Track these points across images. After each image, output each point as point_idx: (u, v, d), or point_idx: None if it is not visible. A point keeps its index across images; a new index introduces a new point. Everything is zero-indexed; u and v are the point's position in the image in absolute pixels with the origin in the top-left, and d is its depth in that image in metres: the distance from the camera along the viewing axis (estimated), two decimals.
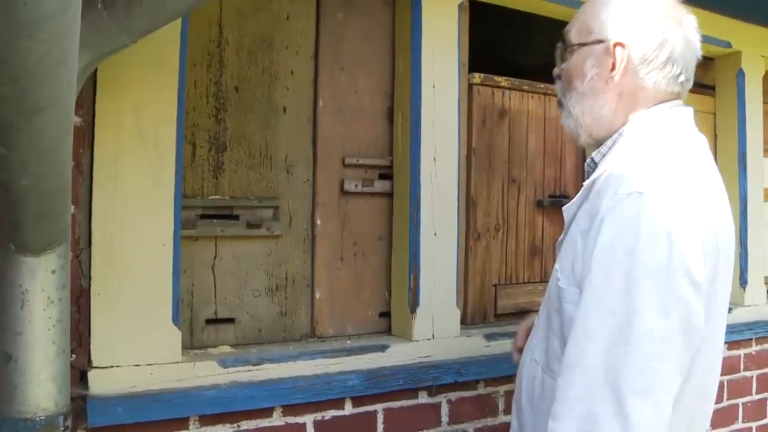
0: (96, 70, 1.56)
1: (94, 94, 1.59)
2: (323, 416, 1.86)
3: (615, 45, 1.34)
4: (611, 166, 1.29)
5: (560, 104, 1.47)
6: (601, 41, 1.36)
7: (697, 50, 1.38)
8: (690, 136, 1.35)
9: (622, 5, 1.37)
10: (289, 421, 1.81)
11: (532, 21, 2.58)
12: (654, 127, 1.34)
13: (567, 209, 1.41)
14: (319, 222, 2.04)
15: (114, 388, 1.59)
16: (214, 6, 1.89)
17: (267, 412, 1.78)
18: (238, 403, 1.73)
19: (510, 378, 2.17)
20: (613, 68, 1.35)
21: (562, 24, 2.55)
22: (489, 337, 2.18)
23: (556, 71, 1.48)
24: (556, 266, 1.37)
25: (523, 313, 2.45)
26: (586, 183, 1.37)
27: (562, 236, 1.46)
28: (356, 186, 2.08)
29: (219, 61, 1.91)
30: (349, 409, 1.90)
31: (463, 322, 2.27)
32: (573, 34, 1.42)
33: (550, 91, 2.54)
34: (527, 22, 2.64)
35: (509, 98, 2.44)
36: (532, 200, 2.50)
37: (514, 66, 2.81)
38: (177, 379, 1.68)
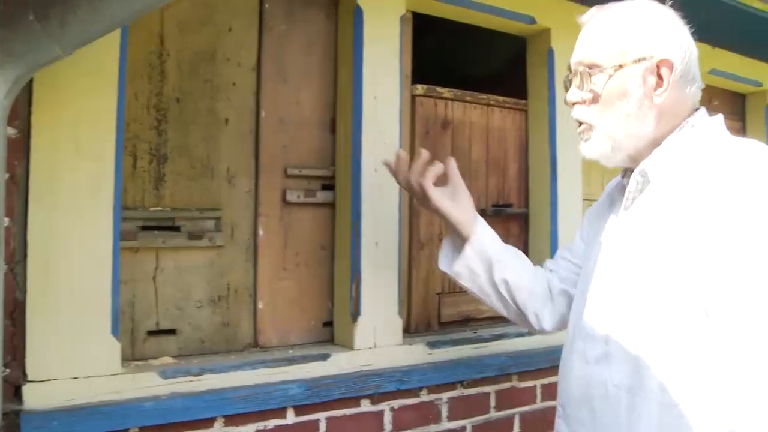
0: (32, 81, 1.56)
1: (30, 105, 1.58)
2: (265, 426, 1.86)
3: (659, 62, 1.33)
4: (708, 179, 1.26)
5: (588, 130, 1.42)
6: (642, 59, 1.34)
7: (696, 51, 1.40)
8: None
9: (648, 19, 1.36)
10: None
11: (479, 33, 2.64)
12: (721, 137, 1.35)
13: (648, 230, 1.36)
14: (261, 232, 2.05)
15: (50, 402, 1.58)
16: (155, 18, 1.89)
17: (208, 423, 1.78)
18: (179, 414, 1.72)
19: (452, 385, 2.21)
20: (658, 86, 1.34)
21: (506, 36, 2.62)
22: (432, 345, 2.21)
23: (574, 98, 1.43)
24: (657, 289, 1.29)
25: (466, 321, 2.50)
26: (659, 199, 1.35)
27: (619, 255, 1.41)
28: (298, 196, 2.10)
29: (160, 72, 1.92)
30: (291, 418, 1.91)
31: (407, 330, 2.30)
32: (602, 57, 1.37)
33: (492, 102, 2.59)
34: (475, 35, 2.70)
35: (452, 109, 2.49)
36: (476, 209, 2.54)
37: (465, 78, 2.86)
38: (116, 391, 1.67)
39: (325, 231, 2.18)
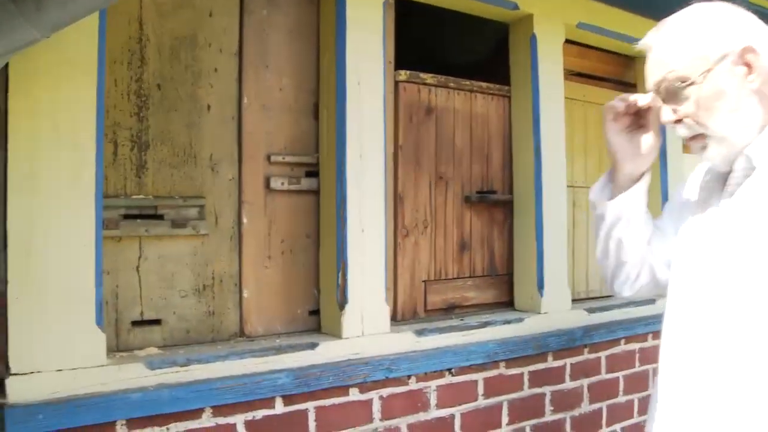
0: (7, 68, 1.52)
1: (6, 91, 1.54)
2: (254, 416, 1.84)
3: (743, 51, 1.34)
4: None
5: (702, 138, 1.41)
6: (725, 56, 1.35)
7: None
8: None
9: (713, 17, 1.39)
10: (220, 422, 1.79)
11: (464, 19, 2.62)
12: None
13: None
14: (245, 220, 2.02)
15: (35, 395, 1.54)
16: (134, 3, 1.86)
17: (196, 414, 1.75)
18: (166, 406, 1.70)
19: (440, 372, 2.20)
20: (749, 73, 1.35)
21: (490, 22, 2.60)
22: (419, 332, 2.20)
23: (671, 116, 1.42)
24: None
25: (452, 308, 2.49)
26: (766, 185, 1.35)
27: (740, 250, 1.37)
28: (282, 184, 2.07)
29: (140, 58, 1.88)
30: (280, 408, 1.89)
31: (394, 318, 2.29)
32: (686, 69, 1.37)
33: (476, 89, 2.58)
34: (460, 21, 2.68)
35: (435, 95, 2.47)
36: (459, 196, 2.53)
37: (450, 65, 2.84)
38: (102, 382, 1.64)
39: (310, 218, 2.16)
